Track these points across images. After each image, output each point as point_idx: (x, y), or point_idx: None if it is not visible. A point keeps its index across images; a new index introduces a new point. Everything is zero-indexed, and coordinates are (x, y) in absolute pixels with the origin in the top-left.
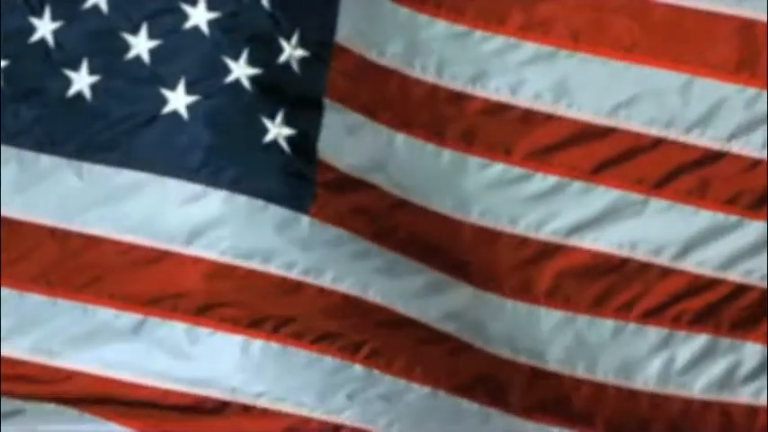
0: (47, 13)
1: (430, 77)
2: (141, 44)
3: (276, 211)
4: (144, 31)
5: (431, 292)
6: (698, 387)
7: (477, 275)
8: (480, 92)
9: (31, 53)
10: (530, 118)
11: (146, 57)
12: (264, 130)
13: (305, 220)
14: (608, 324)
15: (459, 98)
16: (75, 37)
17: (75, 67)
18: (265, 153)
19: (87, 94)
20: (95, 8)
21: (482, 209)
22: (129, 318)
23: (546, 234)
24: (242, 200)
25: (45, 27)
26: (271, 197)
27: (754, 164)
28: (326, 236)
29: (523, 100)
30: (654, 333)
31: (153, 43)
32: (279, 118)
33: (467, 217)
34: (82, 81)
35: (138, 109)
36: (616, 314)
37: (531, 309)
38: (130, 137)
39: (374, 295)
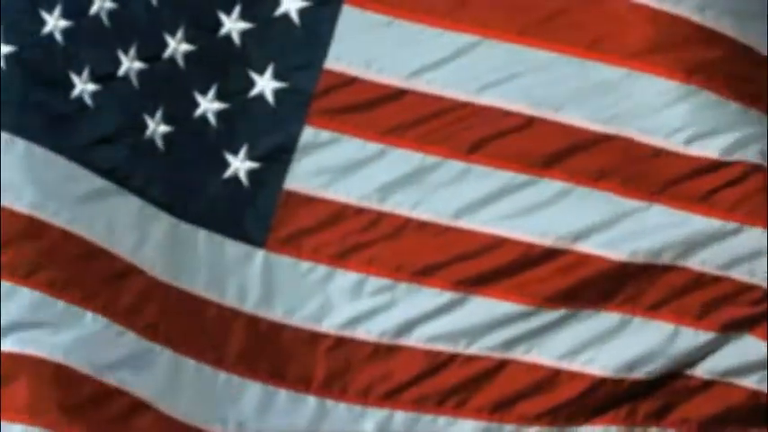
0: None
1: (436, 90)
2: (130, 65)
3: (232, 246)
4: (133, 52)
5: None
6: (701, 370)
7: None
8: (485, 101)
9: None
10: (534, 126)
11: (134, 79)
12: (225, 165)
13: (260, 254)
14: (614, 318)
15: (463, 109)
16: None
17: (78, 71)
18: (223, 188)
19: (88, 100)
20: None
21: (486, 217)
22: None
23: (551, 239)
24: (202, 234)
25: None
26: (226, 232)
27: (754, 170)
28: (282, 268)
29: (526, 108)
30: (659, 327)
31: (140, 65)
32: (242, 152)
33: (469, 224)
34: (83, 86)
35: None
36: (621, 308)
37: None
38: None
39: (328, 327)
